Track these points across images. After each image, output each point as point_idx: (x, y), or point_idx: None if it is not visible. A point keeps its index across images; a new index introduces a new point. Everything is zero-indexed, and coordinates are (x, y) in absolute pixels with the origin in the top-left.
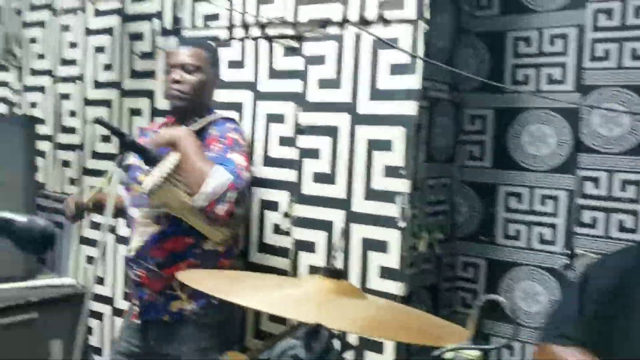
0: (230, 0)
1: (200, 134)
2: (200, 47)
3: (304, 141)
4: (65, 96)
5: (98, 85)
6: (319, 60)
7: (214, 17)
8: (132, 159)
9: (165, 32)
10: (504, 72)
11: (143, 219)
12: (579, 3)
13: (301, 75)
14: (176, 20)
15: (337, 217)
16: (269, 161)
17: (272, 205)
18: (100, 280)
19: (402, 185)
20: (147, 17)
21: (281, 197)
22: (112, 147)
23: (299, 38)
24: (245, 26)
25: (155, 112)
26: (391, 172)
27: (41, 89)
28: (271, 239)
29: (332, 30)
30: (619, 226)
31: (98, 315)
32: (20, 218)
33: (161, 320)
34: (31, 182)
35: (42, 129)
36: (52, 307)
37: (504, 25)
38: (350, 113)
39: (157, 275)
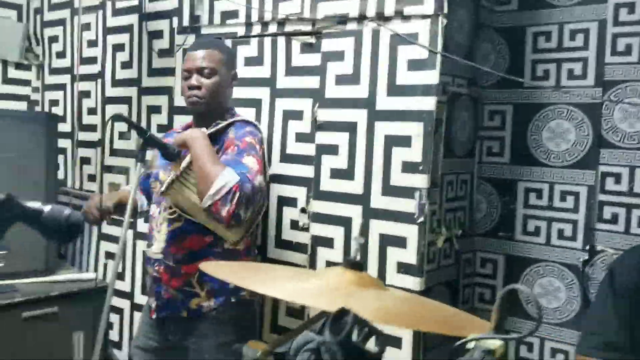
0: None
1: (220, 136)
2: (215, 48)
3: (322, 137)
4: (85, 94)
5: (117, 83)
6: (337, 56)
7: (232, 14)
8: (157, 159)
9: (183, 30)
10: (523, 68)
11: (163, 216)
12: None
13: (319, 71)
14: (194, 17)
15: (355, 212)
16: (287, 157)
17: (289, 202)
18: (119, 276)
19: (420, 181)
20: (165, 15)
21: (299, 193)
22: (131, 144)
23: (317, 34)
24: (263, 23)
25: (174, 110)
26: (409, 167)
27: (61, 87)
28: (289, 234)
29: (350, 26)
30: None
31: (117, 310)
32: (45, 207)
33: (179, 316)
34: (52, 179)
35: (62, 127)
36: (72, 301)
37: (524, 20)
38: (368, 109)
39: (176, 273)
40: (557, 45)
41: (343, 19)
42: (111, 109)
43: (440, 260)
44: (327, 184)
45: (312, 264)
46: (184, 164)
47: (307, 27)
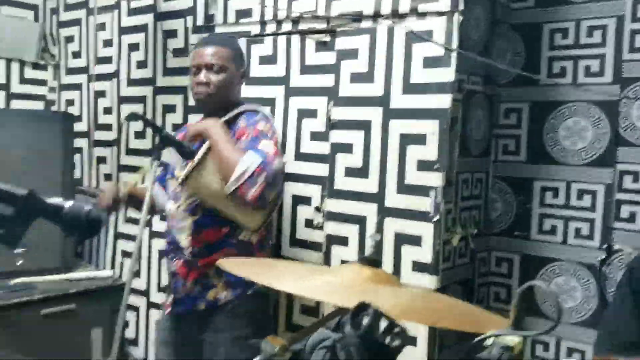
0: None
1: (230, 126)
2: (224, 45)
3: (336, 136)
4: (101, 93)
5: (132, 82)
6: (351, 54)
7: (246, 13)
8: (171, 155)
9: (197, 29)
10: (539, 65)
11: (180, 211)
12: None
13: (333, 69)
14: (208, 17)
15: (369, 211)
16: (301, 156)
17: (304, 200)
18: (135, 274)
19: (436, 180)
20: (180, 14)
21: (313, 191)
22: (147, 143)
23: (331, 32)
24: (277, 21)
25: (189, 109)
26: (425, 166)
27: (77, 87)
28: (303, 233)
29: (365, 24)
30: None
31: (133, 308)
32: (66, 203)
33: (197, 309)
34: (68, 178)
35: (78, 126)
36: (90, 299)
37: (540, 17)
38: (383, 107)
39: (194, 266)
40: (574, 42)
41: (357, 17)
42: (126, 109)
43: (456, 259)
44: (342, 182)
45: (327, 263)
46: (200, 152)
47: (322, 25)
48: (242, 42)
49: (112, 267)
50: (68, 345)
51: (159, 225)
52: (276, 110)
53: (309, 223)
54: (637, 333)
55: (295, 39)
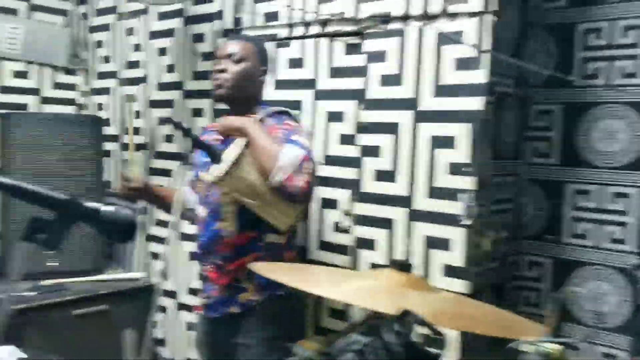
0: None
1: None
2: (247, 40)
3: (365, 139)
4: (130, 97)
5: (161, 86)
6: (380, 56)
7: (274, 16)
8: (197, 157)
9: (226, 33)
10: (572, 66)
11: (208, 215)
12: None
13: (362, 72)
14: (237, 20)
15: (398, 215)
16: (329, 160)
17: (332, 204)
18: (164, 275)
19: (467, 183)
20: (208, 18)
21: (341, 195)
22: (176, 147)
23: (360, 34)
24: (306, 24)
25: (217, 113)
26: (456, 169)
27: (107, 91)
28: (331, 236)
29: (394, 25)
30: None
31: (162, 309)
32: (106, 208)
33: (229, 312)
34: (99, 181)
35: (108, 130)
36: (121, 300)
37: (573, 17)
38: (412, 110)
39: (224, 270)
40: (608, 42)
41: (387, 19)
42: (156, 112)
43: (486, 263)
44: (370, 185)
45: (355, 266)
46: (236, 150)
47: (350, 28)
48: (270, 46)
49: (142, 269)
50: (99, 346)
51: (188, 228)
52: (304, 113)
53: (336, 226)
54: None
55: (324, 42)
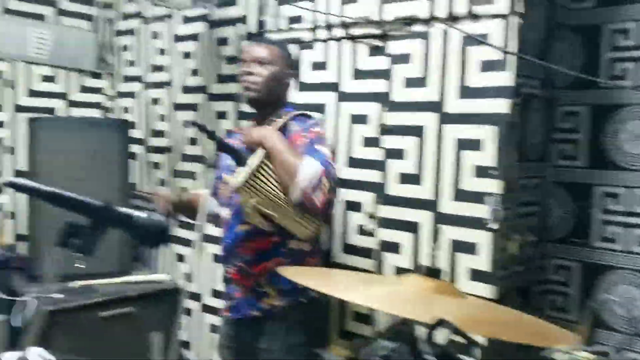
0: (314, 1)
1: (282, 132)
2: (273, 44)
3: (389, 141)
4: (156, 101)
5: (186, 90)
6: (404, 58)
7: (298, 19)
8: (221, 160)
9: (250, 36)
10: (599, 67)
11: (231, 219)
12: None
13: (386, 74)
14: (260, 23)
15: (423, 218)
16: (353, 162)
17: (356, 206)
18: (188, 277)
19: (493, 186)
20: (232, 22)
21: (365, 197)
22: (201, 149)
23: (384, 37)
24: (329, 27)
25: (241, 115)
26: (482, 172)
27: (133, 95)
28: (355, 239)
29: (419, 27)
30: None
31: (186, 311)
32: (139, 214)
33: (252, 315)
34: (125, 183)
35: (134, 133)
36: (148, 302)
37: (600, 18)
38: (437, 112)
39: (247, 273)
40: (636, 43)
41: (411, 21)
42: (180, 115)
43: (512, 267)
44: (395, 188)
45: (379, 270)
46: (255, 160)
47: (374, 30)
48: (294, 48)
49: (168, 271)
50: (126, 348)
51: (212, 230)
52: (327, 116)
53: (360, 229)
54: None
55: (348, 44)
